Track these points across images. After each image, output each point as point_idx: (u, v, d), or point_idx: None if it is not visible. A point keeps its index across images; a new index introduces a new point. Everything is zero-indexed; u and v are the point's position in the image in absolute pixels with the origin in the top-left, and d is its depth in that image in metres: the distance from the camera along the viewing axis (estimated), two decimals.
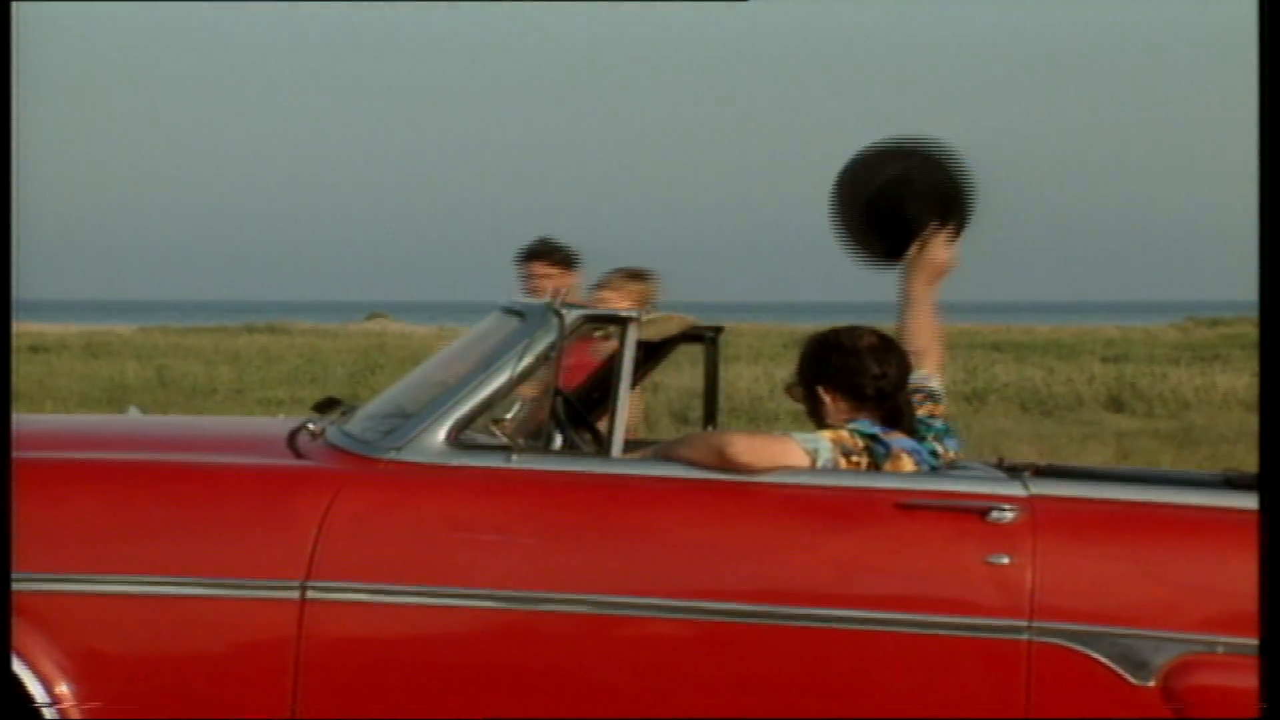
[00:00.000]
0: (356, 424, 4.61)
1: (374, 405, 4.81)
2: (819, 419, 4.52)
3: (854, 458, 4.34)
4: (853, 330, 4.60)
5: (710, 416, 5.44)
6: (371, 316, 55.38)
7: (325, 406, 4.92)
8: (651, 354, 5.26)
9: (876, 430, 4.40)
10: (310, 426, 4.65)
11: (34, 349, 29.34)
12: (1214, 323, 46.26)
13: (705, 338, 5.34)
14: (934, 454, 4.47)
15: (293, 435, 4.65)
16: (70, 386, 21.63)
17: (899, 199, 4.84)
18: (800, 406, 4.67)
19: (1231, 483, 4.52)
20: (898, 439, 4.41)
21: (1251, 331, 35.74)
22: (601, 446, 5.03)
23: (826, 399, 4.48)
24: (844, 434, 4.38)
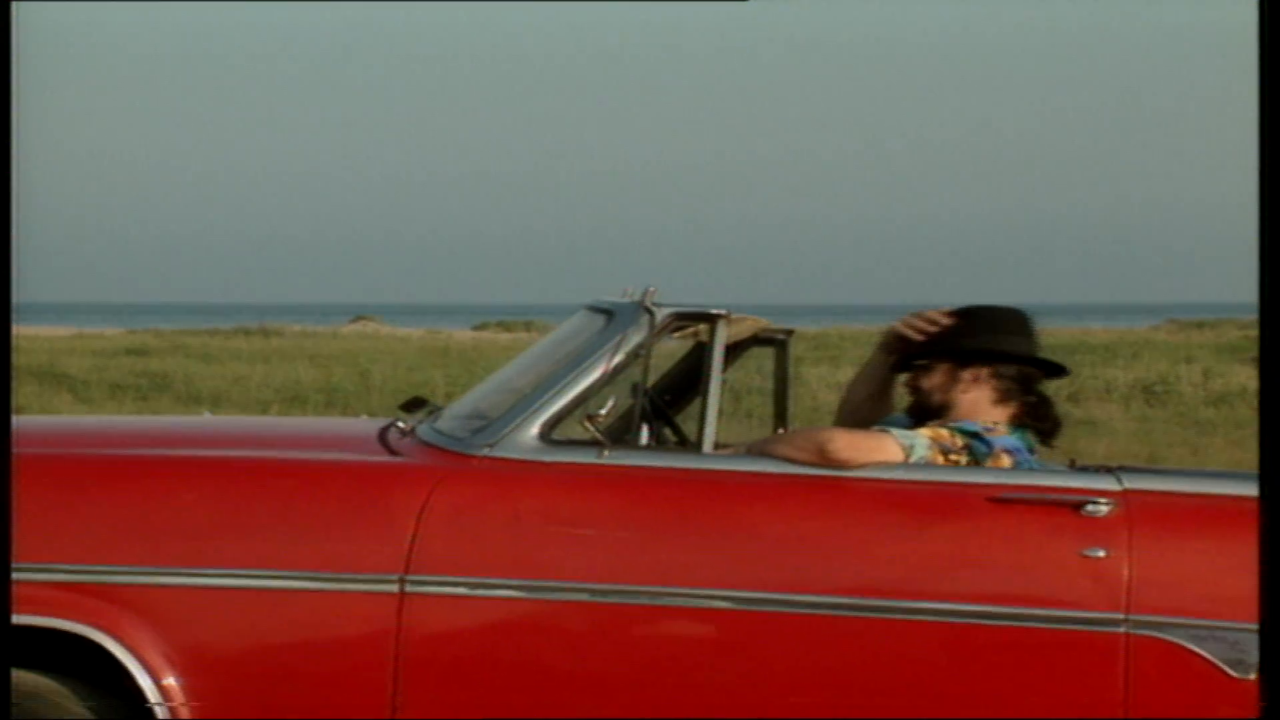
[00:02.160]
0: (446, 422, 4.66)
1: (462, 404, 4.86)
2: (934, 407, 4.55)
3: (952, 456, 4.38)
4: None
5: (781, 418, 5.48)
6: (357, 319, 55.54)
7: (412, 405, 4.96)
8: (731, 355, 5.27)
9: (978, 428, 4.45)
10: (400, 425, 4.70)
11: (130, 351, 29.65)
12: (1200, 325, 46.13)
13: (776, 340, 5.38)
14: (1032, 451, 4.51)
15: (383, 433, 4.70)
16: (258, 394, 21.61)
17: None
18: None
19: None
20: (1001, 437, 4.46)
21: (1240, 333, 36.12)
22: (683, 443, 5.09)
23: (975, 384, 4.54)
24: (944, 432, 4.42)
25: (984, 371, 4.57)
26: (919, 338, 4.66)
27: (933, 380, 4.62)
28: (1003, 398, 4.57)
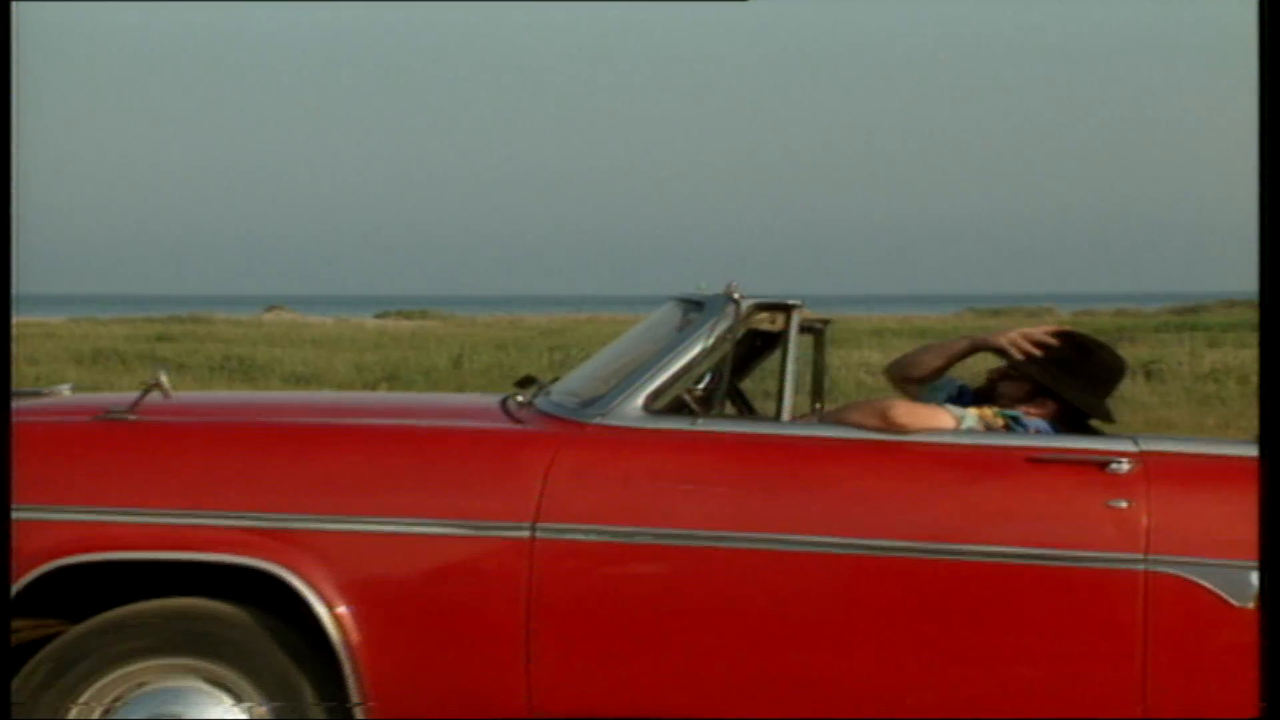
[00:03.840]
0: (558, 395, 5.42)
1: (569, 382, 5.63)
2: (992, 400, 5.34)
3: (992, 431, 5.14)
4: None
5: (817, 396, 6.25)
6: (270, 308, 57.03)
7: (524, 383, 5.73)
8: (769, 342, 6.01)
9: (1019, 414, 5.22)
10: (519, 399, 5.47)
11: (161, 338, 30.78)
12: (996, 313, 47.56)
13: (814, 328, 6.14)
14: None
15: (504, 405, 5.47)
16: (347, 374, 22.90)
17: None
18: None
19: None
20: (1035, 420, 5.23)
21: (1033, 320, 37.60)
22: (751, 413, 5.87)
23: (1041, 409, 5.30)
24: (989, 413, 5.18)
25: (1053, 406, 5.33)
26: (1020, 358, 5.39)
27: (1012, 389, 5.36)
28: (1059, 415, 5.32)
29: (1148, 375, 21.66)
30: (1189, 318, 43.50)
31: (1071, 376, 5.33)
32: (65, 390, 5.67)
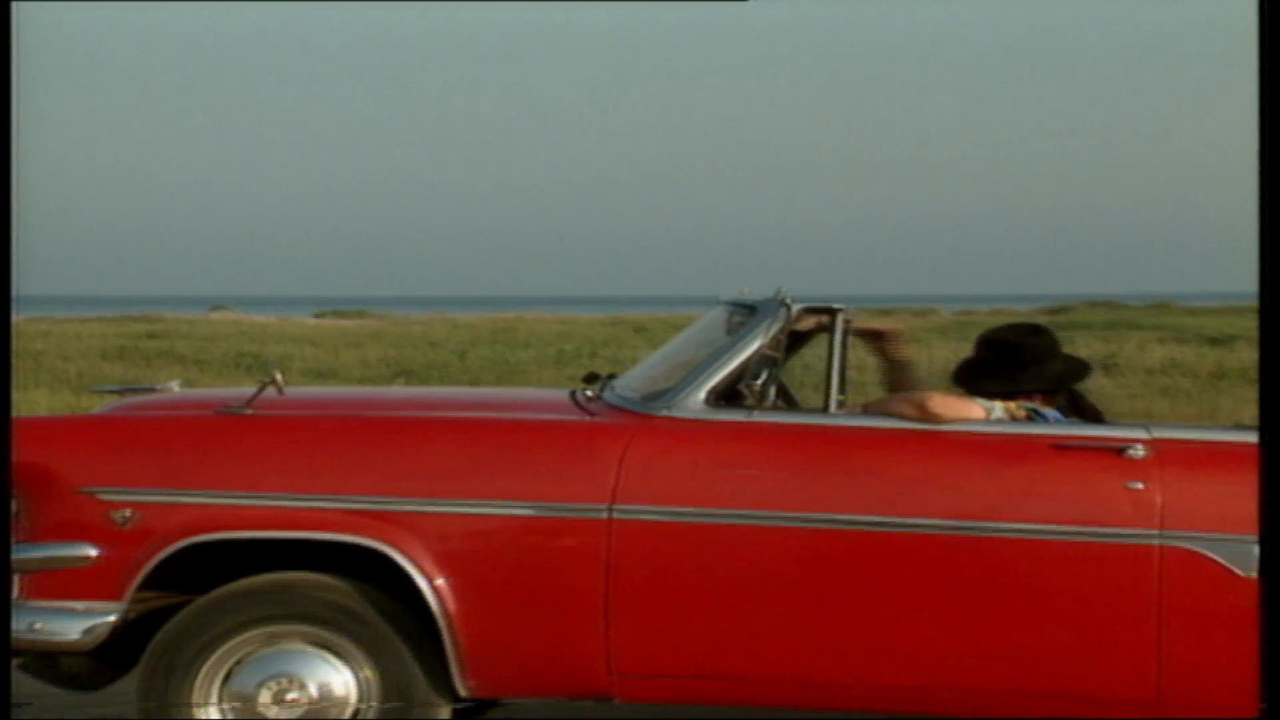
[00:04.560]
0: (622, 390, 5.95)
1: (630, 379, 6.16)
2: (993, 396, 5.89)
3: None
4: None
5: (840, 390, 6.76)
6: (216, 308, 58.12)
7: (589, 379, 6.26)
8: (799, 340, 6.54)
9: (1036, 405, 5.79)
10: (587, 393, 6.00)
11: (151, 336, 31.32)
12: (884, 313, 48.63)
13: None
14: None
15: (574, 398, 6.00)
16: (364, 370, 23.70)
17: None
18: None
19: None
20: (1051, 411, 5.80)
21: (918, 320, 38.80)
22: (794, 405, 6.41)
23: (1028, 400, 5.84)
24: (1012, 405, 5.76)
25: (1038, 396, 5.86)
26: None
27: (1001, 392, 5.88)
28: (1047, 401, 5.89)
29: (1106, 370, 22.42)
30: (1060, 318, 44.31)
31: (1023, 369, 5.88)
32: (174, 386, 6.18)
